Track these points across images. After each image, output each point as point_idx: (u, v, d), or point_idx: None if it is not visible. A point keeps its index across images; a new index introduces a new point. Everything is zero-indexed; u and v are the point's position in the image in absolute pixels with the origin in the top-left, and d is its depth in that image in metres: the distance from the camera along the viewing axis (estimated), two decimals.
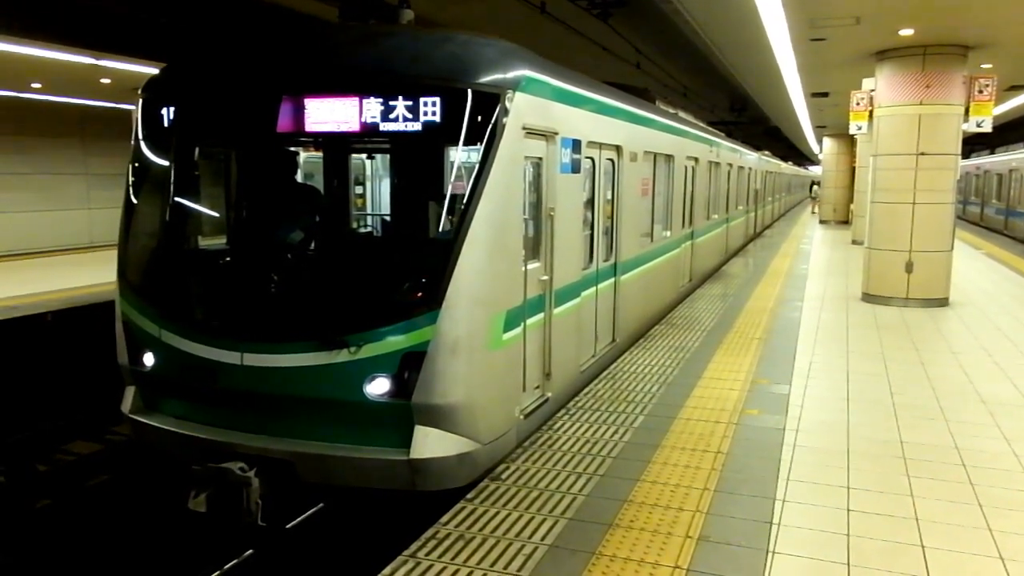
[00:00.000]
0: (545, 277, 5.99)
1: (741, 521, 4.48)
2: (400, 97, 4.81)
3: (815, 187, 43.19)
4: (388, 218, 7.10)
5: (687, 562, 4.00)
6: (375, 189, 7.61)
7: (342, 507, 6.53)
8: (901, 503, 4.79)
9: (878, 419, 6.43)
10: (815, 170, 51.65)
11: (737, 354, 8.56)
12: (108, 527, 7.16)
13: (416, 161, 5.79)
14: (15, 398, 9.40)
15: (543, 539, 4.23)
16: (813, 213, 39.19)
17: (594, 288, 7.37)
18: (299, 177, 6.42)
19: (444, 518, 4.49)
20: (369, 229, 7.57)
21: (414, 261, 5.17)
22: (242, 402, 5.05)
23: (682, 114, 12.74)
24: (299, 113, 5.01)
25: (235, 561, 6.11)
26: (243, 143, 5.48)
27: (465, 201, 4.82)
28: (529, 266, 5.68)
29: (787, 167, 42.72)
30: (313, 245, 5.67)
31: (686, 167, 11.91)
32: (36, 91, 15.33)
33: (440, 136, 4.99)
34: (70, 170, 17.92)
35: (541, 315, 5.95)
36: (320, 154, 6.42)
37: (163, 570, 6.34)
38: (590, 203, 7.32)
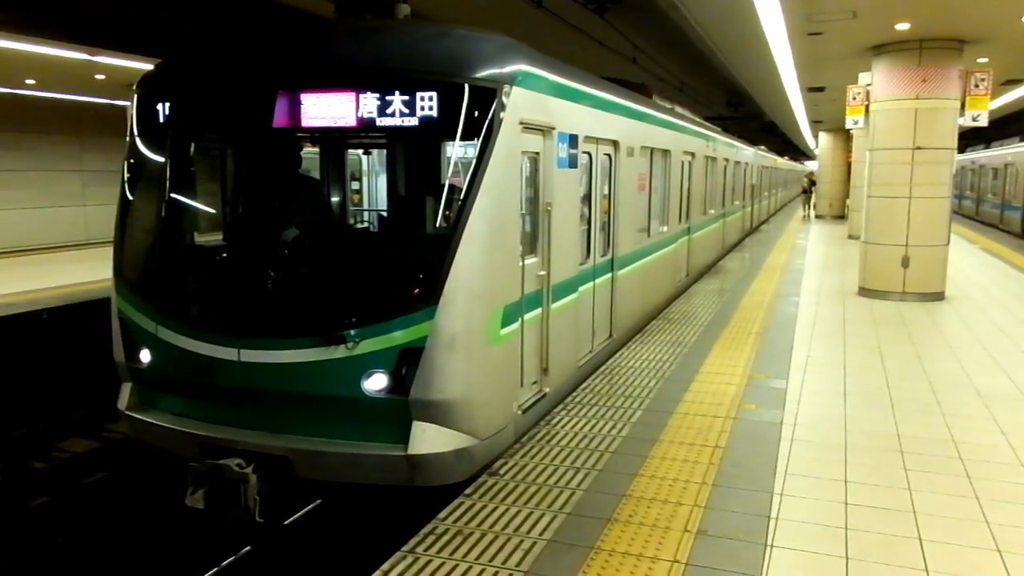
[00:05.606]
0: (542, 272, 5.98)
1: (739, 515, 4.49)
2: (396, 92, 4.79)
3: (810, 183, 35.10)
4: (385, 213, 7.09)
5: (685, 556, 4.00)
6: (372, 184, 7.59)
7: (340, 503, 6.53)
8: (898, 496, 4.81)
9: (875, 413, 6.44)
10: (811, 165, 51.53)
11: (734, 349, 8.57)
12: (106, 524, 7.15)
13: (413, 156, 5.77)
14: (12, 396, 9.37)
15: (542, 534, 4.23)
16: (806, 216, 32.58)
17: (591, 283, 7.36)
18: (295, 173, 6.40)
19: (442, 514, 4.49)
20: (366, 224, 7.55)
21: (411, 256, 5.16)
22: (239, 398, 5.03)
23: (679, 109, 12.73)
24: (295, 108, 4.98)
25: (233, 558, 6.12)
26: (239, 139, 5.46)
27: (462, 196, 4.81)
28: (526, 261, 5.67)
29: (783, 162, 42.69)
30: (310, 241, 5.65)
31: (683, 162, 11.90)
32: (31, 87, 15.27)
33: (437, 131, 4.97)
34: (65, 167, 17.85)
35: (539, 310, 5.95)
36: (316, 150, 6.40)
37: (161, 567, 6.34)
38: (587, 198, 7.31)
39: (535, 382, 6.03)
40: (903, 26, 10.37)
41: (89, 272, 12.46)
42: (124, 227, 5.64)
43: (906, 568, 3.94)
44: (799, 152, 55.94)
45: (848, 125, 12.78)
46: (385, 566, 3.91)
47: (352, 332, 4.70)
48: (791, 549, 4.11)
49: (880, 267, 12.00)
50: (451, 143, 5.06)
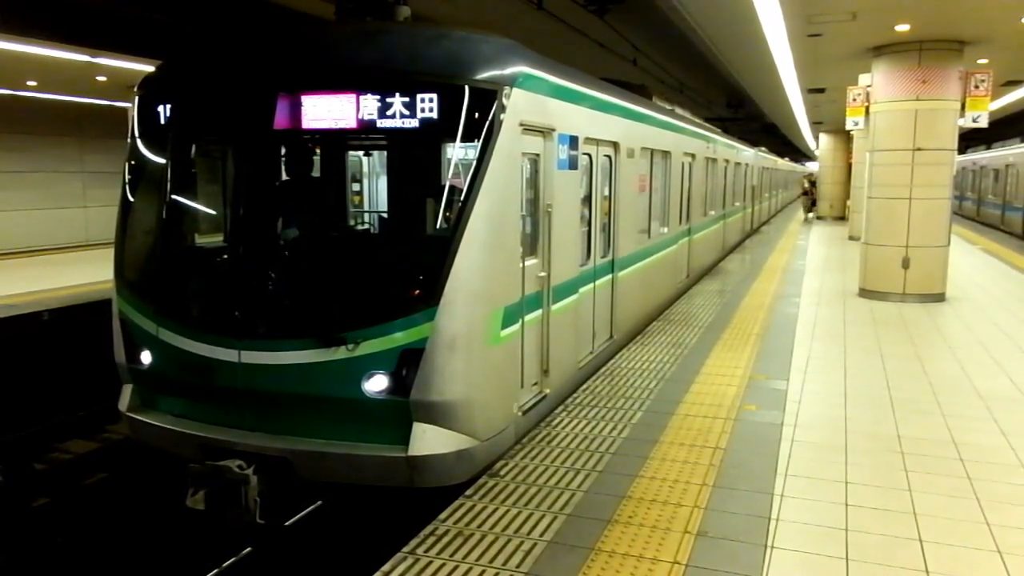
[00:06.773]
0: (543, 273, 5.99)
1: (739, 516, 4.49)
2: (397, 94, 4.80)
3: (810, 184, 35.14)
4: (386, 215, 7.10)
5: (686, 557, 4.01)
6: (372, 186, 7.60)
7: (340, 504, 6.53)
8: (899, 497, 4.81)
9: (875, 414, 6.44)
10: (812, 166, 51.53)
11: (735, 350, 8.57)
12: (107, 526, 7.15)
13: (413, 158, 5.77)
14: (13, 397, 9.37)
15: (542, 535, 4.24)
16: (807, 219, 31.92)
17: (592, 284, 7.37)
18: (296, 174, 6.41)
19: (443, 515, 4.49)
20: (367, 226, 7.56)
21: (412, 258, 5.16)
22: (240, 400, 5.04)
23: (679, 110, 12.73)
24: (296, 110, 4.99)
25: (233, 559, 6.12)
26: (239, 140, 5.46)
27: (463, 198, 4.81)
28: (527, 262, 5.68)
29: (784, 163, 42.72)
30: (311, 242, 5.66)
31: (683, 163, 11.90)
32: (32, 89, 15.28)
33: (437, 133, 4.98)
34: (66, 168, 17.87)
35: (539, 311, 5.95)
36: (317, 151, 6.41)
37: (162, 568, 6.34)
38: (587, 199, 7.31)
39: (535, 383, 6.03)
40: (903, 27, 10.37)
41: (89, 274, 12.47)
42: (125, 229, 5.65)
43: (906, 569, 3.95)
44: (800, 153, 55.95)
45: (848, 126, 12.79)
46: (386, 567, 3.91)
47: (353, 333, 4.70)
48: (791, 550, 4.11)
49: (880, 268, 12.00)
50: (451, 145, 5.06)
